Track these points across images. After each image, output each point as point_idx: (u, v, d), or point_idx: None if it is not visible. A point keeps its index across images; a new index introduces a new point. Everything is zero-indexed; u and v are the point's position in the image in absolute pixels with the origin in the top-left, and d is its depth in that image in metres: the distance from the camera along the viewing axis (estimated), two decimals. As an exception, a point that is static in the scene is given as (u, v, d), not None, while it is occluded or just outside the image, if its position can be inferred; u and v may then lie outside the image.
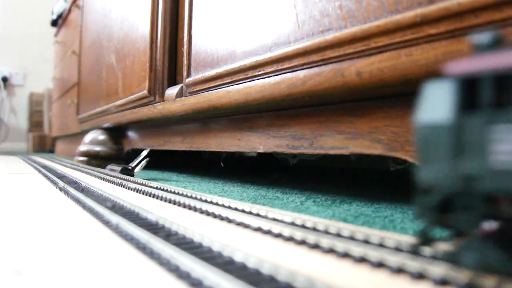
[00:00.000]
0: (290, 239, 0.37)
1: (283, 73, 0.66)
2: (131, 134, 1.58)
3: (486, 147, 0.24)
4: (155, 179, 1.11)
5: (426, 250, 0.30)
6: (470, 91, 0.26)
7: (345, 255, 0.32)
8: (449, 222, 0.27)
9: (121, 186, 0.84)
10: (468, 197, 0.26)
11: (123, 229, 0.41)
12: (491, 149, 0.24)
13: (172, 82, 1.19)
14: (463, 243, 0.26)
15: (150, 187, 0.78)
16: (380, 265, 0.29)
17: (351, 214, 0.55)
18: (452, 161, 0.26)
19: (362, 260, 0.31)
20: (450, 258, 0.27)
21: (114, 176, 1.01)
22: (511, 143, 0.23)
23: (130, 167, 1.14)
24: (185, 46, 1.01)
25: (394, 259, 0.29)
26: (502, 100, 0.24)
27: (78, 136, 2.20)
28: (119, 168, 1.17)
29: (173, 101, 1.06)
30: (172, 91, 1.11)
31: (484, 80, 0.25)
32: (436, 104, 0.27)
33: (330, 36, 0.56)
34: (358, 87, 0.54)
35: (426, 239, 0.29)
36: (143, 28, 1.26)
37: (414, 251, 0.31)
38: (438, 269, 0.26)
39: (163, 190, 0.72)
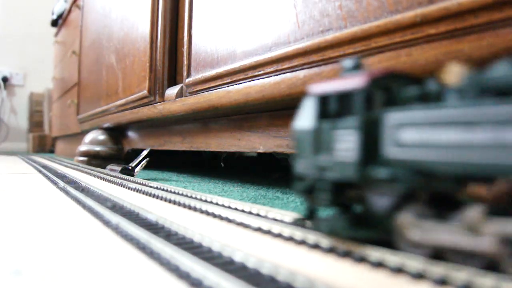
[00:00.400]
0: (290, 239, 0.37)
1: (283, 73, 0.66)
2: (131, 134, 1.58)
3: (334, 145, 0.34)
4: (155, 179, 1.11)
5: (307, 223, 0.39)
6: (324, 105, 0.36)
7: (345, 255, 0.32)
8: (315, 201, 0.37)
9: (121, 186, 0.84)
10: (323, 183, 0.35)
11: (123, 229, 0.41)
12: (335, 147, 0.34)
13: (172, 82, 1.19)
14: (322, 216, 0.38)
15: (150, 187, 0.78)
16: (379, 265, 0.29)
17: (351, 214, 0.55)
18: (313, 156, 0.36)
19: (362, 260, 0.31)
20: (314, 227, 0.37)
21: (114, 176, 1.01)
22: (346, 142, 0.33)
23: (130, 167, 1.14)
24: (185, 46, 1.01)
25: (394, 259, 0.29)
26: (342, 112, 0.34)
27: (78, 136, 2.20)
28: (119, 168, 1.17)
29: (173, 101, 1.06)
30: (172, 91, 1.11)
31: (331, 98, 0.35)
32: (306, 114, 0.37)
33: (330, 36, 0.56)
34: (358, 87, 0.54)
35: (308, 215, 0.38)
36: (143, 28, 1.26)
37: (297, 224, 0.40)
38: (438, 269, 0.26)
39: (163, 190, 0.72)
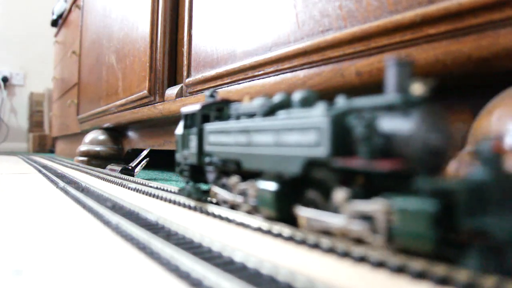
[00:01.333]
0: (290, 239, 0.37)
1: (283, 73, 0.66)
2: (131, 134, 1.58)
3: (190, 144, 0.58)
4: (155, 179, 1.11)
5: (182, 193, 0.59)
6: (186, 120, 0.59)
7: (345, 255, 0.32)
8: (184, 178, 0.60)
9: (121, 186, 0.84)
10: (186, 167, 0.59)
11: (123, 229, 0.41)
12: (190, 145, 0.57)
13: (172, 82, 1.19)
14: (184, 186, 0.59)
15: (150, 187, 0.78)
16: (380, 265, 0.29)
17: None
18: (182, 150, 0.60)
19: (362, 260, 0.31)
20: (181, 193, 0.60)
21: (114, 176, 1.01)
22: (193, 142, 0.56)
23: (130, 167, 1.14)
24: (185, 46, 1.01)
25: (394, 260, 0.29)
26: (192, 124, 0.57)
27: (78, 136, 2.20)
28: (119, 168, 1.17)
29: (173, 101, 1.06)
30: (172, 91, 1.11)
31: (187, 116, 0.59)
32: (180, 125, 0.61)
33: (330, 36, 0.56)
34: (357, 87, 0.54)
35: (182, 187, 0.60)
36: (143, 28, 1.26)
37: (177, 193, 0.66)
38: (439, 269, 0.26)
39: (163, 190, 0.72)
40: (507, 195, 0.25)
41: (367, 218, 0.31)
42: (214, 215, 0.50)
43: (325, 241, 0.34)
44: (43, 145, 3.84)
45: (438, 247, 0.26)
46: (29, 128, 4.05)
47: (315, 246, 0.35)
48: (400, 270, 0.28)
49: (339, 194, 0.33)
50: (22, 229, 0.45)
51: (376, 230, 0.30)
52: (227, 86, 0.82)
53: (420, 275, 0.27)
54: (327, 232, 0.35)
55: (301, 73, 0.62)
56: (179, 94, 1.06)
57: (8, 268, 0.31)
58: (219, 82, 0.85)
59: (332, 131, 0.33)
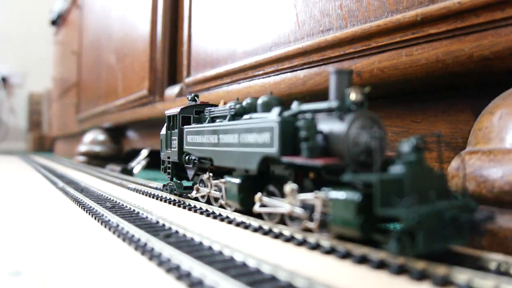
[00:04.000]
0: (290, 239, 0.37)
1: (283, 73, 0.66)
2: (131, 134, 1.58)
3: (172, 144, 0.64)
4: (155, 179, 1.11)
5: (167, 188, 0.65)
6: (169, 122, 0.65)
7: (345, 255, 0.32)
8: (168, 175, 0.66)
9: (121, 186, 0.84)
10: (170, 164, 0.65)
11: (123, 229, 0.41)
12: (172, 144, 0.64)
13: (172, 82, 1.19)
14: (170, 182, 0.64)
15: (150, 187, 0.78)
16: (380, 265, 0.29)
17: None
18: (165, 150, 0.66)
19: (362, 260, 0.30)
20: (164, 190, 0.67)
21: (114, 176, 1.01)
22: (175, 142, 0.63)
23: (130, 167, 1.14)
24: (185, 46, 1.01)
25: (394, 260, 0.29)
26: (174, 126, 0.63)
27: (78, 136, 2.20)
28: (119, 168, 1.16)
29: (173, 100, 1.06)
30: (172, 90, 1.11)
31: (170, 117, 0.65)
32: (164, 126, 0.67)
33: (330, 36, 0.56)
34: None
35: (166, 184, 0.66)
36: (143, 28, 1.26)
37: (160, 189, 0.71)
38: (439, 270, 0.26)
39: (162, 190, 0.72)
40: (418, 188, 0.29)
41: (310, 206, 0.36)
42: (214, 215, 0.50)
43: (325, 242, 0.34)
44: (42, 145, 3.83)
45: (363, 232, 0.30)
46: (28, 128, 4.05)
47: (315, 246, 0.34)
48: (400, 271, 0.28)
49: (287, 187, 0.38)
50: (21, 229, 0.44)
51: (312, 217, 0.35)
52: (227, 86, 0.82)
53: (421, 276, 0.27)
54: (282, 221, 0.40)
55: (301, 73, 0.62)
56: (179, 94, 1.06)
57: (8, 268, 0.31)
58: (219, 81, 0.85)
59: (281, 132, 0.38)
